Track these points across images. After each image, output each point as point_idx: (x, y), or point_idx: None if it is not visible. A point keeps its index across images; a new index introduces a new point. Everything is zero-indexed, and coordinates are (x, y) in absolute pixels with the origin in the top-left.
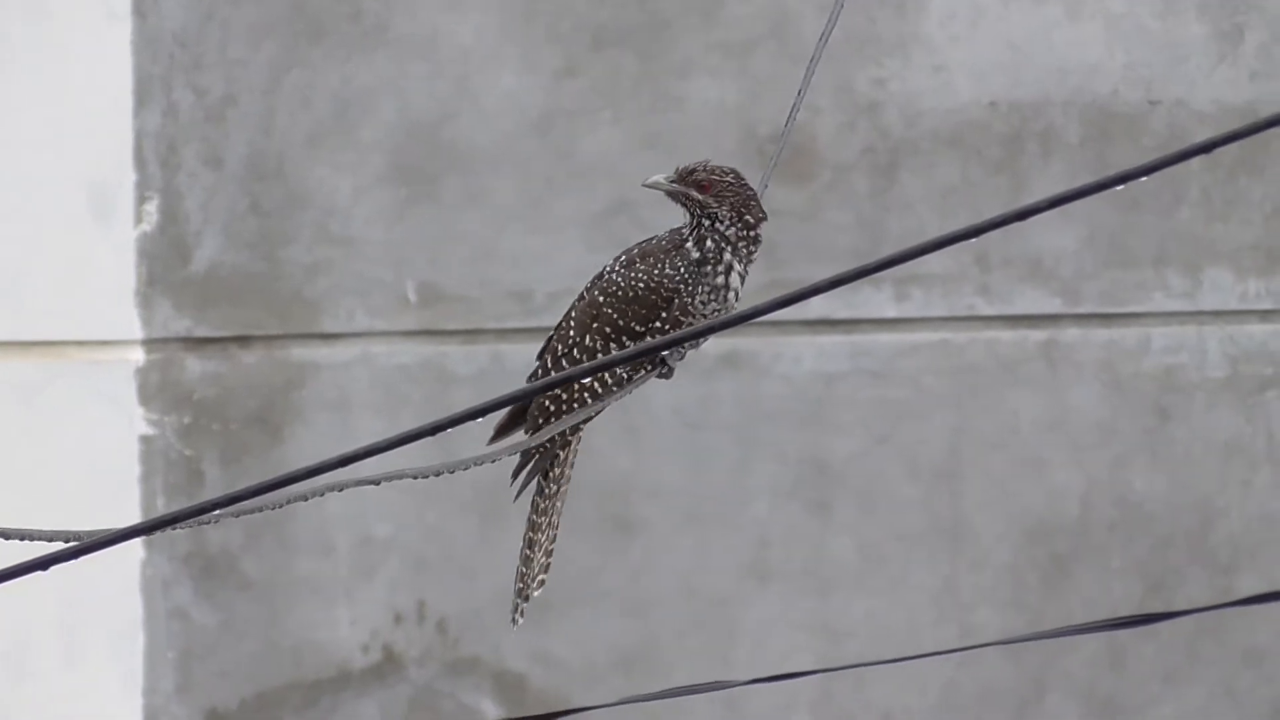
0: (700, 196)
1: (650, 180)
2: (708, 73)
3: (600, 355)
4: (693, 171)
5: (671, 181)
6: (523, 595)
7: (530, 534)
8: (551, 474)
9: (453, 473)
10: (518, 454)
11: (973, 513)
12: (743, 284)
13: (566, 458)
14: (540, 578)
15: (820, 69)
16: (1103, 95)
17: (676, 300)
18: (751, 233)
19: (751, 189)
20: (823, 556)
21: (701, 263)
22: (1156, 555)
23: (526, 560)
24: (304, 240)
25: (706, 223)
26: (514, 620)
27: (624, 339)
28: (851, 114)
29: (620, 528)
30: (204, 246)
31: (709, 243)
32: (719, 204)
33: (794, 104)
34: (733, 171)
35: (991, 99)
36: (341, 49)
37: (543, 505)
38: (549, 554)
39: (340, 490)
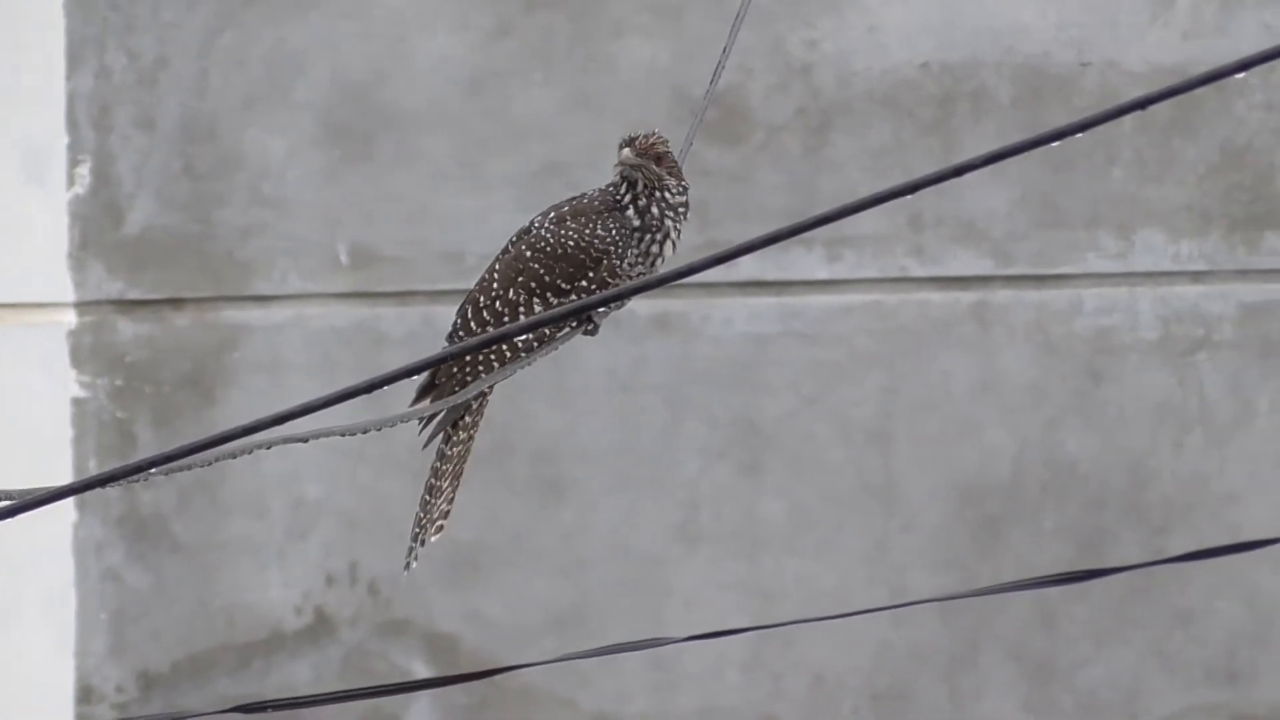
0: (658, 169)
1: (622, 158)
2: (640, 33)
3: (523, 311)
4: (652, 144)
5: (638, 155)
6: (418, 540)
7: (432, 480)
8: (461, 423)
9: (379, 430)
10: (444, 411)
11: (904, 474)
12: (675, 249)
13: (477, 408)
14: (439, 523)
15: (753, 30)
16: (1034, 56)
17: (605, 261)
18: (686, 200)
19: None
20: (754, 518)
21: (643, 230)
22: (1088, 516)
23: (425, 506)
24: (237, 202)
25: (658, 193)
26: (407, 565)
27: (549, 296)
28: (784, 75)
29: (551, 489)
30: (137, 209)
31: (654, 210)
32: (669, 174)
33: (719, 63)
34: (668, 140)
35: (924, 60)
36: (274, 10)
37: (449, 453)
38: (450, 501)
39: (269, 448)
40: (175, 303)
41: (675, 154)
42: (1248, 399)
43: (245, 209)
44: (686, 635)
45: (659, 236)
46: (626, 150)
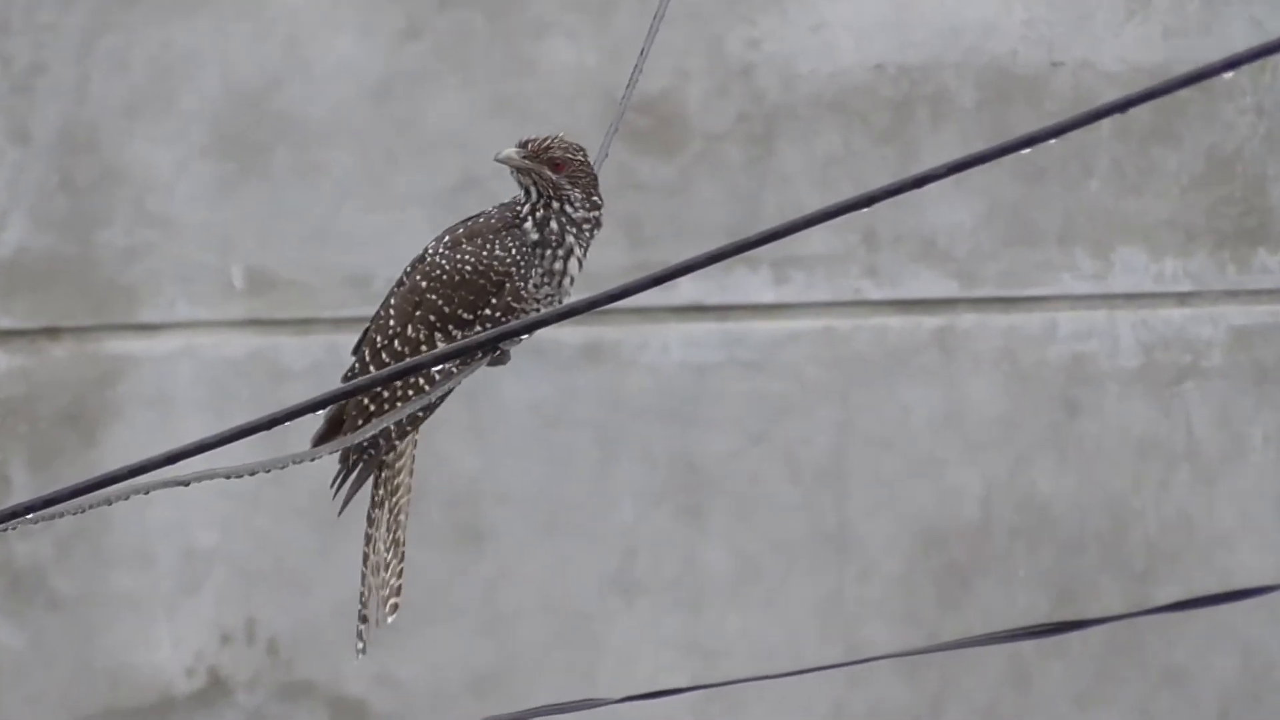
0: (554, 176)
1: (502, 155)
2: (564, 33)
3: (425, 348)
4: (547, 148)
5: (524, 157)
6: (370, 621)
7: (367, 551)
8: (381, 478)
9: (268, 471)
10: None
11: (860, 518)
12: (580, 270)
13: (401, 463)
14: (392, 600)
15: (688, 28)
16: (1000, 56)
17: (508, 284)
18: (597, 215)
19: (593, 170)
20: (695, 567)
21: (541, 245)
22: (1064, 563)
23: (370, 583)
24: (120, 221)
25: (556, 205)
26: (358, 651)
27: (450, 328)
28: (723, 78)
29: (470, 537)
30: (9, 229)
31: (553, 224)
32: (572, 185)
33: (636, 64)
34: (582, 150)
35: (877, 61)
36: (159, 11)
37: (377, 517)
38: (399, 574)
39: (151, 492)
40: (52, 332)
41: (594, 165)
42: (1239, 432)
43: (129, 228)
44: (621, 696)
45: (560, 252)
46: (511, 149)
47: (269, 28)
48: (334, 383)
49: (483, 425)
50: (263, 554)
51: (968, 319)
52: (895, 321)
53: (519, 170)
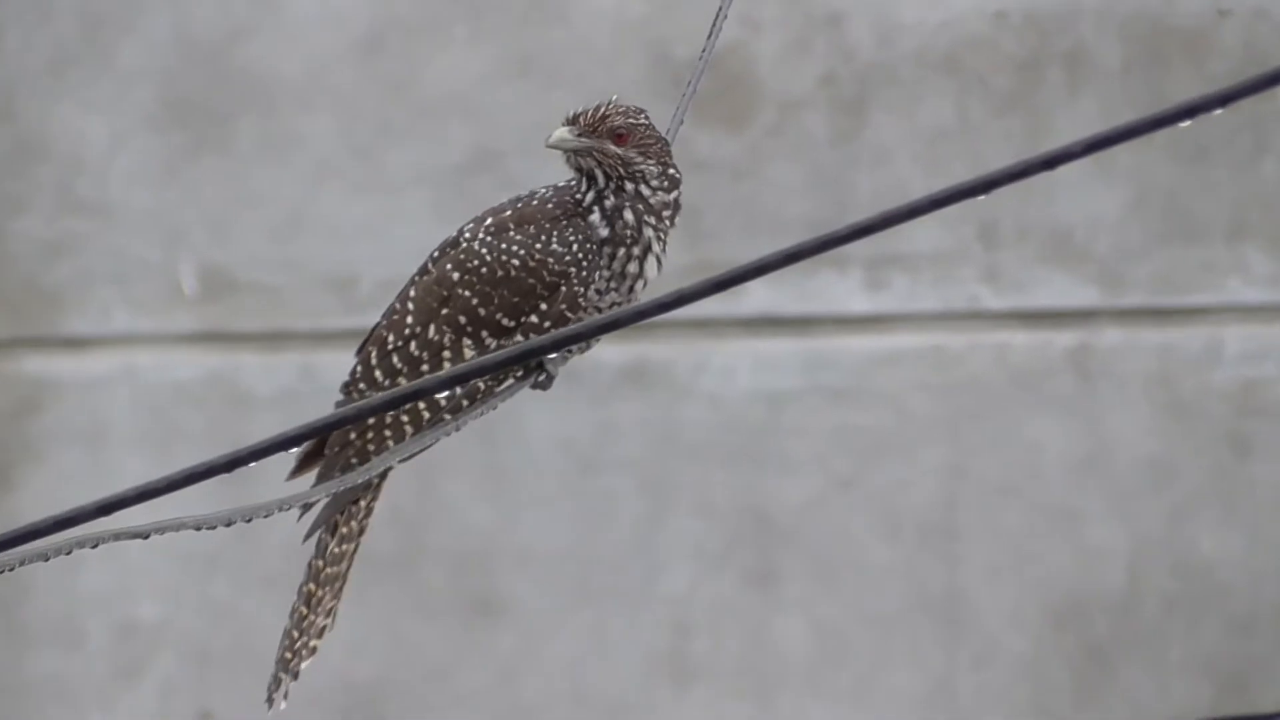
0: (619, 150)
1: (553, 139)
2: None
3: (449, 356)
4: (604, 117)
5: (580, 135)
6: (288, 668)
7: (310, 586)
8: (350, 509)
9: (249, 521)
10: (326, 497)
11: (975, 585)
12: (660, 269)
13: (372, 490)
14: (313, 644)
15: None
16: (1151, 4)
17: (564, 287)
18: (677, 195)
19: (662, 135)
20: (764, 646)
21: (613, 243)
22: (1232, 642)
23: (301, 621)
24: (41, 207)
25: (631, 188)
26: (270, 700)
27: (484, 335)
28: (803, 29)
29: (482, 609)
30: None
31: (627, 214)
32: (644, 159)
33: (719, 12)
34: (644, 112)
35: (997, 7)
36: None
37: (334, 550)
38: (330, 614)
39: (94, 546)
40: None
41: (659, 132)
42: None
43: (52, 216)
44: None
45: (636, 251)
46: (561, 129)
47: None
48: (310, 411)
49: (500, 466)
50: (219, 628)
51: (1111, 335)
52: (1020, 338)
53: (577, 153)
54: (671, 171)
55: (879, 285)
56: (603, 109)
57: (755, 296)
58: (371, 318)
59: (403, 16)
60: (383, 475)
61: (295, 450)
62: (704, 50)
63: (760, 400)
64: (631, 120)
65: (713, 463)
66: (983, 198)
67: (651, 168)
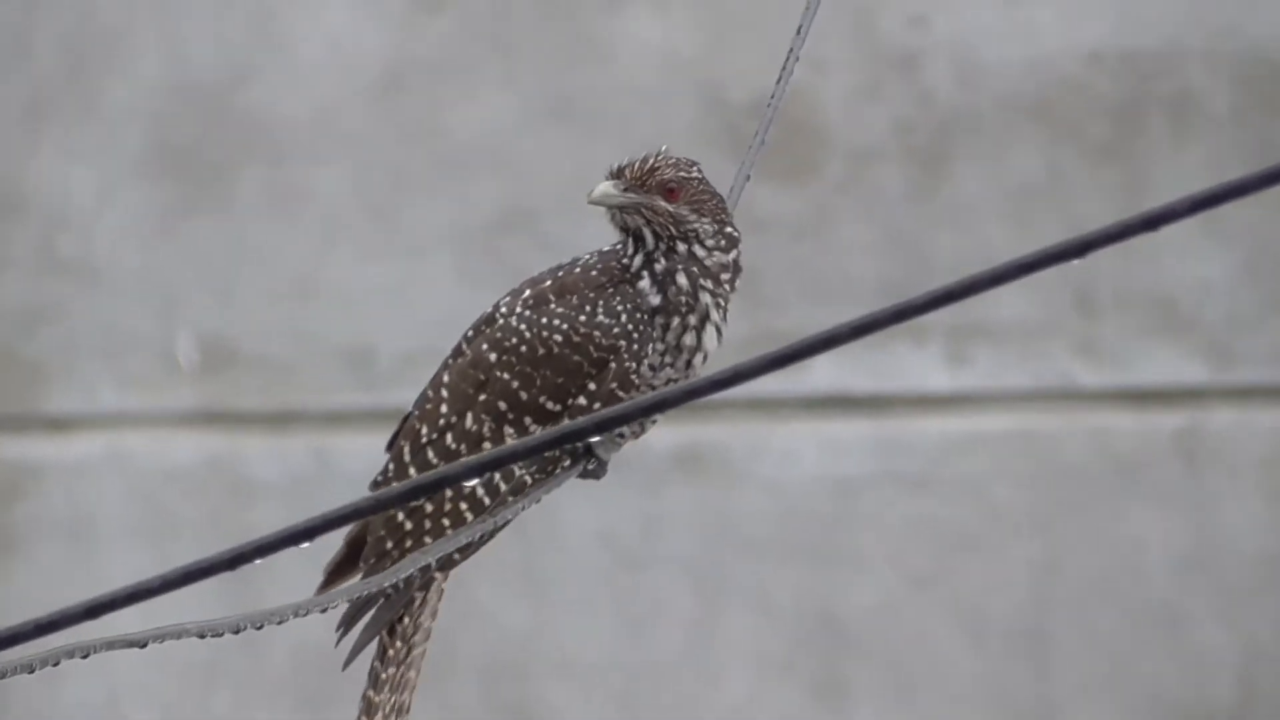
0: (669, 207)
1: (596, 194)
2: (647, 2)
3: (490, 444)
4: (652, 169)
5: (626, 190)
6: None
7: (366, 718)
8: (400, 629)
9: (259, 628)
10: (346, 601)
11: (1069, 697)
12: (720, 339)
13: (424, 603)
14: None
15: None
16: (1265, 42)
17: (614, 364)
18: (736, 255)
19: (715, 189)
20: None
21: (665, 311)
22: None
23: None
24: (18, 268)
25: (684, 248)
26: None
27: (528, 421)
28: (875, 70)
29: (518, 718)
30: None
31: (680, 279)
32: (697, 217)
33: (789, 54)
34: (695, 164)
35: (1092, 47)
36: None
37: (385, 676)
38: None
39: (85, 656)
40: None
41: (714, 186)
42: None
43: (32, 279)
44: None
45: (692, 320)
46: (604, 184)
47: None
48: (323, 501)
49: (535, 564)
50: None
51: (1222, 416)
52: (1120, 419)
53: (623, 210)
54: (729, 230)
55: (961, 360)
56: (651, 161)
57: (821, 372)
58: (391, 395)
59: (424, 55)
60: (428, 590)
61: (321, 546)
62: (773, 97)
63: (827, 488)
64: (683, 174)
65: (774, 558)
66: (1077, 261)
67: (706, 226)
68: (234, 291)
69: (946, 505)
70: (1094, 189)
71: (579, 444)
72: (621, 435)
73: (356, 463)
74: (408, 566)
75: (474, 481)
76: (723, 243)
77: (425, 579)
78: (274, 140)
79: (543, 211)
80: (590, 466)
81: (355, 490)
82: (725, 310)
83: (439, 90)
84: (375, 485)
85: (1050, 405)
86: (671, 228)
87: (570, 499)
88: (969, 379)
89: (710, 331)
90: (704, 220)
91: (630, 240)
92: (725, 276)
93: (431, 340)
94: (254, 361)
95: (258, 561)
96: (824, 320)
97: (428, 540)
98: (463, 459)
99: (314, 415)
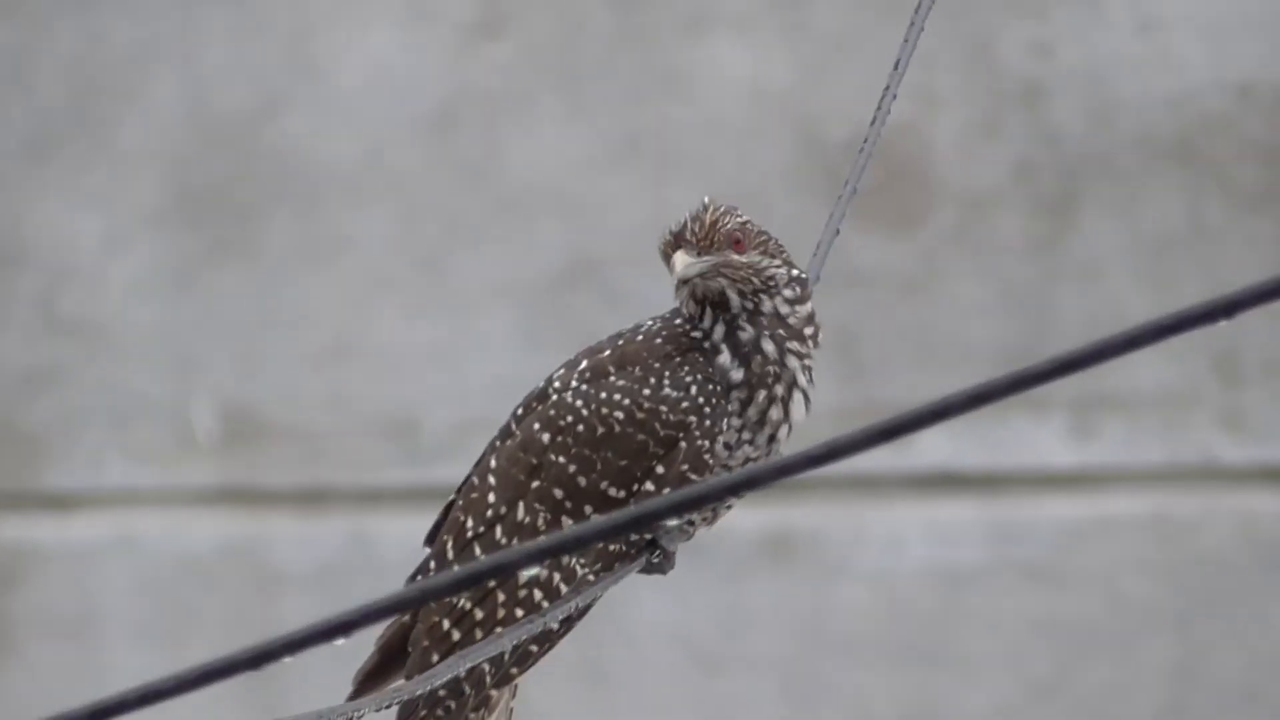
0: (744, 259)
1: (680, 270)
2: (732, 28)
3: (545, 537)
4: (714, 224)
5: (700, 252)
6: None
7: None
8: None
9: None
10: (395, 709)
11: None
12: (809, 407)
13: (496, 707)
14: None
15: (938, 22)
16: None
17: (684, 443)
18: (811, 306)
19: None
20: None
21: (749, 386)
22: None
23: None
24: (19, 326)
25: (768, 304)
26: None
27: (587, 509)
28: (993, 106)
29: None
30: None
31: (766, 345)
32: (768, 260)
33: (886, 89)
34: (737, 208)
35: (1242, 80)
36: None
37: None
38: None
39: None
40: None
41: (777, 238)
42: None
43: (31, 338)
44: None
45: (778, 390)
46: (682, 255)
47: (261, 18)
48: (358, 593)
49: (601, 665)
50: None
51: None
52: (1269, 501)
53: (704, 277)
54: (796, 271)
55: (1087, 434)
56: (708, 214)
57: (930, 447)
58: (437, 471)
59: (480, 86)
60: (504, 700)
61: (358, 642)
62: (866, 140)
63: (935, 580)
64: (739, 218)
65: (874, 660)
66: (1223, 323)
67: (780, 271)
68: (260, 353)
69: (1070, 599)
70: (1242, 241)
71: (645, 534)
72: (691, 523)
73: (397, 548)
74: (452, 668)
75: (532, 571)
76: (798, 289)
77: (481, 696)
78: (308, 182)
79: (612, 263)
80: (655, 559)
81: (396, 579)
82: (811, 372)
83: (498, 125)
84: (416, 576)
85: (1189, 485)
86: (754, 279)
87: (641, 591)
88: (1096, 455)
89: (798, 400)
90: (774, 264)
91: (707, 310)
92: (809, 332)
93: (484, 409)
94: (282, 433)
95: (286, 660)
96: (933, 389)
97: (479, 630)
98: (520, 546)
99: (350, 494)
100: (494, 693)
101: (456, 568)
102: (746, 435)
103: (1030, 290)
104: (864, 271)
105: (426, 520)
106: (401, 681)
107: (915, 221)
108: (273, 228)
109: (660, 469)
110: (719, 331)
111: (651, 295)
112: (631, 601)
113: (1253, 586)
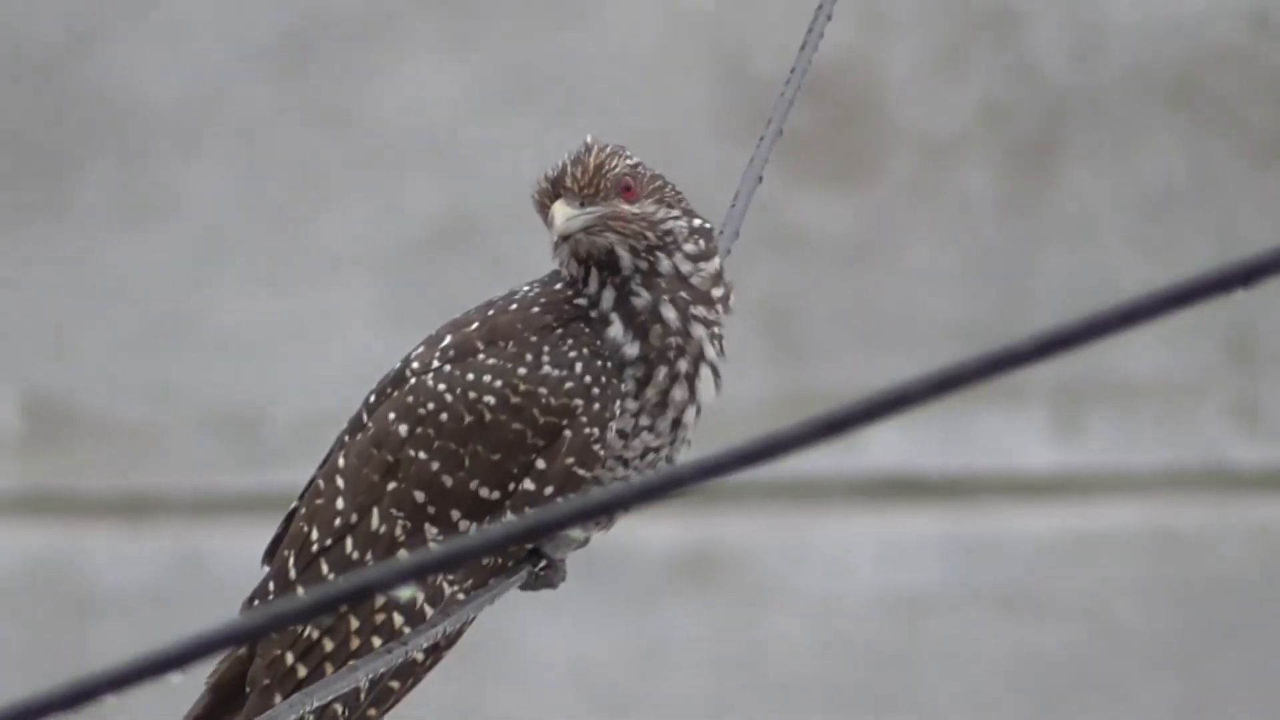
0: (634, 208)
1: (559, 225)
2: None
3: (404, 551)
4: (599, 168)
5: (582, 203)
6: None
7: None
8: None
9: None
10: None
11: None
12: (719, 386)
13: None
14: None
15: None
16: None
17: (569, 431)
18: (720, 264)
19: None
20: None
21: (646, 363)
22: None
23: None
24: None
25: (665, 263)
26: None
27: (455, 516)
28: (957, 34)
29: None
30: None
31: (668, 313)
32: (665, 210)
33: (819, 8)
34: (625, 148)
35: (1258, 5)
36: None
37: None
38: None
39: None
40: None
41: (675, 185)
42: None
43: None
44: None
45: (682, 365)
46: (561, 207)
47: None
48: (190, 620)
49: (486, 708)
50: None
51: None
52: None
53: (588, 232)
54: (699, 221)
55: (1072, 430)
56: (591, 158)
57: (882, 446)
58: (282, 474)
59: (336, 10)
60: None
61: (179, 677)
62: (794, 68)
63: (889, 608)
64: (628, 161)
65: (815, 704)
66: (1239, 295)
67: (679, 223)
68: (72, 334)
69: (1052, 631)
70: (1255, 193)
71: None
72: (584, 533)
73: (235, 566)
74: (297, 708)
75: (406, 593)
76: (701, 243)
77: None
78: (131, 127)
79: (496, 223)
80: (540, 572)
81: (233, 604)
82: (722, 343)
83: (358, 59)
84: (254, 597)
85: (1193, 491)
86: (648, 234)
87: (527, 613)
88: (1083, 456)
89: (706, 377)
90: (672, 214)
91: (593, 272)
92: (718, 294)
93: (340, 401)
94: (99, 429)
95: (109, 699)
96: (885, 375)
97: (326, 667)
98: (384, 563)
99: (179, 502)
100: (372, 711)
101: (301, 591)
102: (645, 421)
103: (1003, 256)
104: (800, 233)
105: (268, 532)
106: None
107: (864, 173)
108: (88, 182)
109: (541, 463)
110: (608, 297)
111: (543, 262)
112: (517, 629)
113: (1269, 613)
